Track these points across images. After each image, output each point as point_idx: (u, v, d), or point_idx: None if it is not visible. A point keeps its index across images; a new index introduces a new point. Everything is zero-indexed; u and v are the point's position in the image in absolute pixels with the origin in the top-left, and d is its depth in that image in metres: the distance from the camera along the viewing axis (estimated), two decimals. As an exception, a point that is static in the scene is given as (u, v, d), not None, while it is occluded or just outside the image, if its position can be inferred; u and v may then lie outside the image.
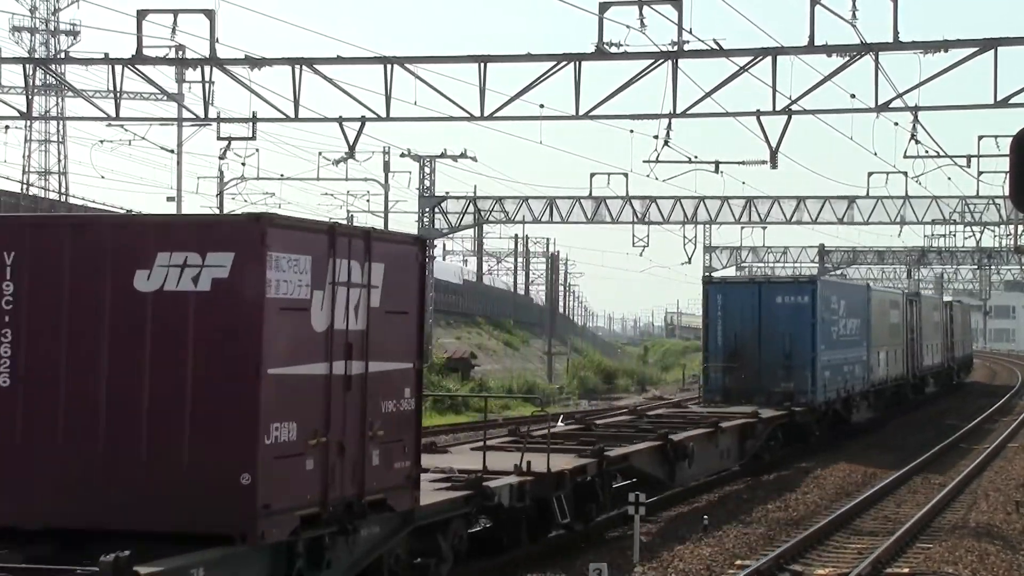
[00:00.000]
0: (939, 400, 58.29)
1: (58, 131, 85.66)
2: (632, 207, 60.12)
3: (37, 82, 45.46)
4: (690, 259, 73.85)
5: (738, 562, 19.53)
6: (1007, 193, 10.19)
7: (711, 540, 21.24)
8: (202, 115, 35.96)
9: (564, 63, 31.23)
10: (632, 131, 38.55)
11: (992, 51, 29.40)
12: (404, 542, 15.52)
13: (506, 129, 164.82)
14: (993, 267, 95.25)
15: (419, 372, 15.26)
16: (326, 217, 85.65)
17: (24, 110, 37.41)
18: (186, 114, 46.36)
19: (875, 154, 66.27)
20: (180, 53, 33.19)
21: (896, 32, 29.23)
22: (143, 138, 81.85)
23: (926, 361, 55.32)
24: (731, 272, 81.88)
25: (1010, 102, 30.07)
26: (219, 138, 36.89)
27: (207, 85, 34.41)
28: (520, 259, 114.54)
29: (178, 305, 12.65)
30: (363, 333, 14.10)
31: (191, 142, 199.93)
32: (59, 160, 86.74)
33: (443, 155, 60.52)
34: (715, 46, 30.22)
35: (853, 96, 31.51)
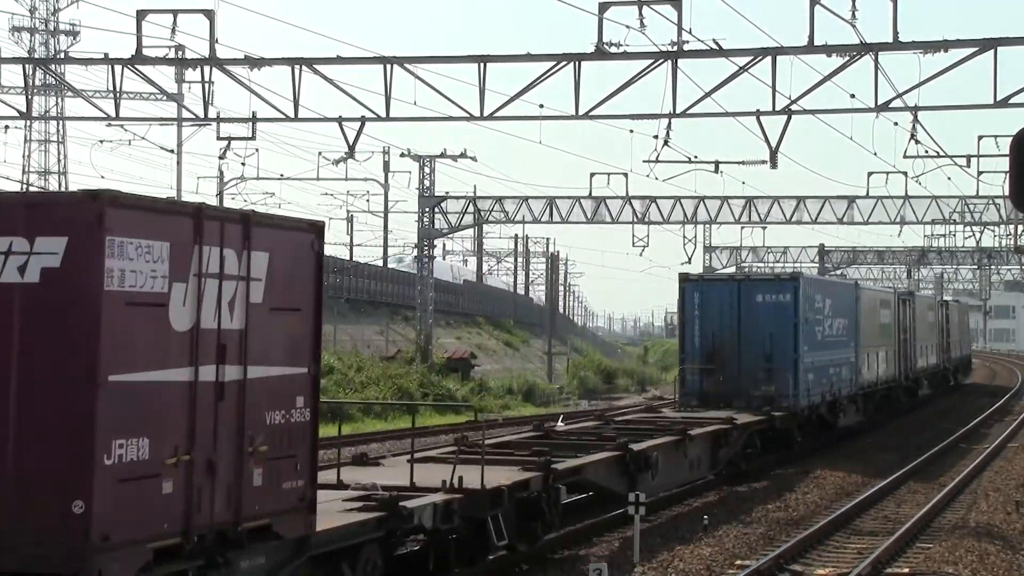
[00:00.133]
0: (933, 403, 57.04)
1: (58, 131, 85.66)
2: (632, 207, 60.15)
3: (37, 82, 45.47)
4: (690, 259, 73.82)
5: (738, 562, 19.52)
6: (1007, 193, 10.18)
7: (711, 540, 21.23)
8: (202, 115, 35.99)
9: (564, 63, 31.26)
10: (632, 131, 38.64)
11: (992, 51, 29.43)
12: (303, 572, 13.52)
13: (506, 129, 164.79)
14: (993, 267, 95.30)
15: (315, 378, 13.25)
16: (326, 218, 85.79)
17: (24, 110, 37.43)
18: (186, 114, 46.36)
19: (875, 154, 66.43)
20: (180, 53, 33.21)
21: (896, 32, 29.27)
22: (143, 138, 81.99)
23: (920, 363, 53.53)
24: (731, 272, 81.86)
25: (1010, 102, 30.09)
26: (219, 138, 36.99)
27: (207, 85, 34.47)
28: (520, 259, 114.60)
29: (1, 299, 10.88)
30: (241, 333, 12.18)
31: (191, 142, 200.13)
32: (59, 160, 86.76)
33: (443, 155, 60.56)
34: (715, 46, 30.25)
35: (853, 96, 31.57)
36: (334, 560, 14.27)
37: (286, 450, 12.82)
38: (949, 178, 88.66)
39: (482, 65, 31.77)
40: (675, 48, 30.25)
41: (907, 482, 29.76)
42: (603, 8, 30.28)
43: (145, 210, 11.24)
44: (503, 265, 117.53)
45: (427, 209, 59.59)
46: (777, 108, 31.31)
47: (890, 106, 31.52)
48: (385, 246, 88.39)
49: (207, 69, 33.04)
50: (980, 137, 48.20)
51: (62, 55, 77.57)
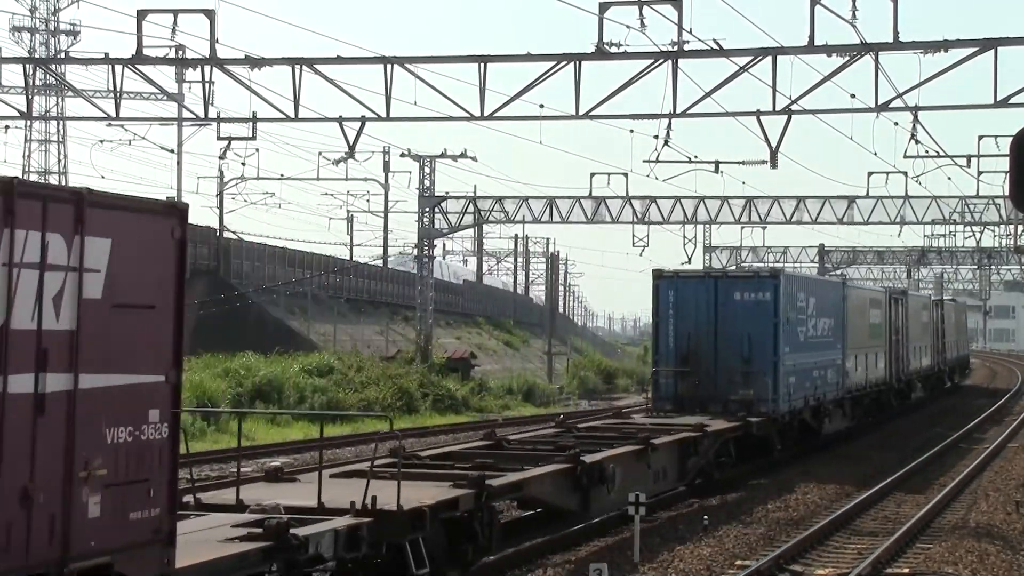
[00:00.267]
0: (927, 406, 55.37)
1: (58, 131, 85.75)
2: (632, 207, 60.17)
3: (37, 82, 45.48)
4: (690, 259, 73.85)
5: (738, 562, 19.53)
6: (1007, 193, 10.19)
7: (711, 540, 21.24)
8: (202, 115, 36.02)
9: (564, 63, 31.27)
10: (632, 131, 38.67)
11: (992, 51, 29.45)
12: None
13: (506, 129, 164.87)
14: (993, 267, 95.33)
15: (175, 387, 11.27)
16: (326, 218, 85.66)
17: (24, 110, 37.45)
18: (186, 114, 46.39)
19: (875, 154, 66.37)
20: (180, 53, 33.22)
21: (896, 32, 29.29)
22: (143, 138, 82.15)
23: (913, 364, 51.62)
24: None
25: (1010, 102, 30.11)
26: (219, 138, 37.01)
27: (207, 85, 34.50)
28: (520, 259, 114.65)
29: None
30: (71, 334, 10.20)
31: (191, 142, 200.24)
32: (59, 160, 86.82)
33: (443, 155, 60.59)
34: (715, 46, 30.26)
35: (853, 96, 31.59)
36: None
37: (135, 474, 10.76)
38: (949, 178, 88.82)
39: (482, 65, 31.78)
40: (675, 48, 30.27)
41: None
42: (603, 8, 30.30)
43: None
44: (503, 265, 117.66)
45: (427, 209, 59.61)
46: (777, 108, 31.33)
47: (890, 106, 31.54)
48: (385, 246, 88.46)
49: (207, 69, 33.06)
50: (980, 137, 48.31)
51: (62, 55, 77.63)
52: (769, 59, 30.56)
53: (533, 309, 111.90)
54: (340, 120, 34.06)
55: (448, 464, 20.55)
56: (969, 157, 48.36)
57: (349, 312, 73.30)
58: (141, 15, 32.06)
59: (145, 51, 32.23)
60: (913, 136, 35.44)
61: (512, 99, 32.15)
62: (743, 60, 30.73)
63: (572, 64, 31.18)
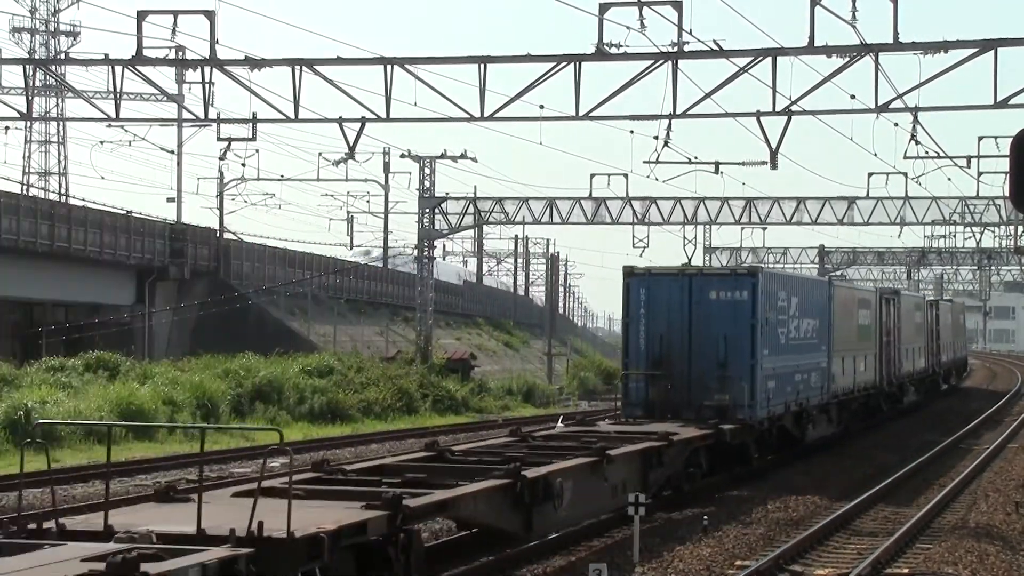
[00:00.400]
0: (920, 410, 53.66)
1: (58, 132, 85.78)
2: (632, 208, 60.19)
3: (37, 83, 45.48)
4: (690, 260, 73.86)
5: (738, 562, 19.53)
6: (1007, 194, 10.21)
7: (711, 540, 21.24)
8: (202, 116, 36.00)
9: (564, 64, 31.27)
10: (632, 132, 38.68)
11: (992, 52, 29.45)
12: None
13: (506, 130, 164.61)
14: (993, 268, 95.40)
15: None
16: (326, 219, 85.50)
17: (24, 111, 37.43)
18: (186, 115, 46.39)
19: (875, 155, 66.54)
20: (180, 54, 33.22)
21: (896, 32, 29.29)
22: (143, 139, 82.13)
23: (905, 367, 49.41)
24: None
25: (1010, 103, 30.10)
26: (219, 139, 36.97)
27: (207, 86, 34.49)
28: (520, 260, 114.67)
29: None
30: None
31: (191, 143, 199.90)
32: (59, 161, 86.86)
33: (443, 156, 60.61)
34: (715, 47, 30.26)
35: (853, 97, 31.58)
36: None
37: None
38: (949, 179, 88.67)
39: (482, 66, 31.78)
40: (675, 49, 30.27)
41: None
42: (603, 9, 30.30)
43: None
44: (503, 266, 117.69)
45: (427, 210, 59.62)
46: (777, 109, 31.32)
47: (890, 107, 31.53)
48: (385, 247, 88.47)
49: (207, 70, 33.06)
50: (980, 138, 48.42)
51: (62, 56, 77.64)
52: (769, 60, 30.56)
53: (533, 310, 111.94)
54: (340, 121, 34.05)
55: (375, 480, 18.05)
56: (969, 158, 48.44)
57: (349, 313, 73.35)
58: (141, 16, 32.06)
59: (145, 52, 32.23)
60: (913, 137, 35.46)
61: (512, 100, 32.15)
62: (743, 61, 30.73)
63: (572, 65, 31.19)
